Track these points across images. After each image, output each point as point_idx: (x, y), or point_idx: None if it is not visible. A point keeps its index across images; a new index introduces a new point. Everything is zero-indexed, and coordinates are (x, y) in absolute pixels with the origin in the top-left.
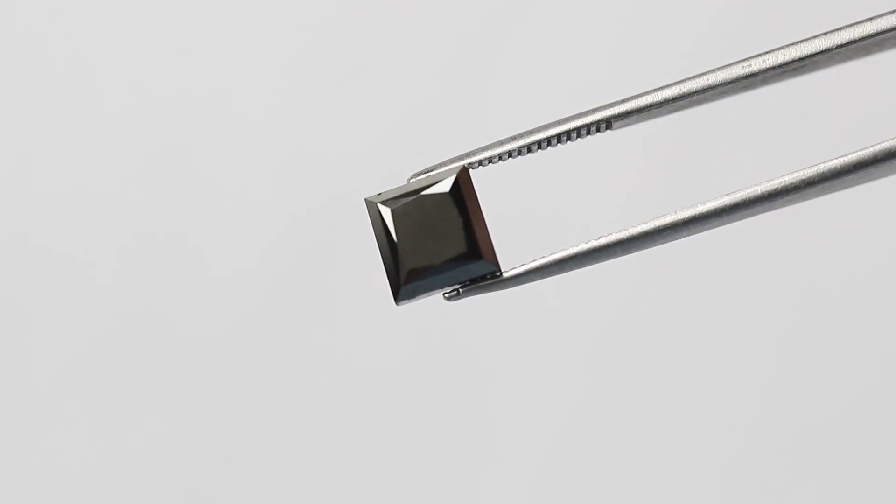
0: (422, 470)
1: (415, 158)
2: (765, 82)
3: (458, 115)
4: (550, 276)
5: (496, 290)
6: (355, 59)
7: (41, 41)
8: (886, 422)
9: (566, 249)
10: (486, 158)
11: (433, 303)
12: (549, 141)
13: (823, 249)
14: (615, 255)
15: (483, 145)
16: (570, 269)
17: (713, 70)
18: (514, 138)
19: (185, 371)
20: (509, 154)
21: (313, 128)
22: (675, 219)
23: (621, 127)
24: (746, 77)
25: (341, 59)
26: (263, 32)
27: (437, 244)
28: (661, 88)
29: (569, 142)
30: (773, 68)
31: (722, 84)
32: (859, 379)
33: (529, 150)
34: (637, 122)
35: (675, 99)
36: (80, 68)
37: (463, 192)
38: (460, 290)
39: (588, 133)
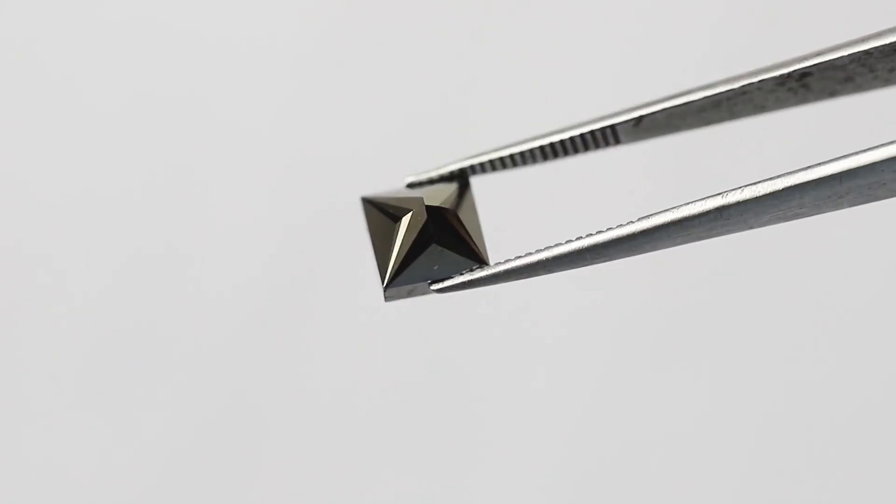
0: (422, 477)
1: (412, 159)
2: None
3: (458, 118)
4: (536, 275)
5: (482, 284)
6: (352, 62)
7: (39, 41)
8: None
9: (557, 246)
10: (487, 163)
11: (434, 306)
12: (553, 148)
13: (832, 251)
14: (608, 256)
15: (485, 150)
16: (559, 268)
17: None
18: (517, 143)
19: (183, 375)
20: (512, 160)
21: (308, 133)
22: (667, 219)
23: (629, 141)
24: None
25: (338, 63)
26: (258, 38)
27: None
28: (667, 98)
29: (575, 153)
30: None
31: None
32: (871, 384)
33: (532, 157)
34: (644, 134)
35: (679, 105)
36: (74, 72)
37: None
38: (446, 282)
39: (595, 143)
